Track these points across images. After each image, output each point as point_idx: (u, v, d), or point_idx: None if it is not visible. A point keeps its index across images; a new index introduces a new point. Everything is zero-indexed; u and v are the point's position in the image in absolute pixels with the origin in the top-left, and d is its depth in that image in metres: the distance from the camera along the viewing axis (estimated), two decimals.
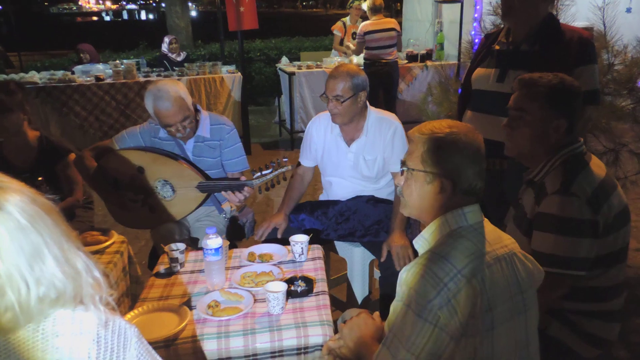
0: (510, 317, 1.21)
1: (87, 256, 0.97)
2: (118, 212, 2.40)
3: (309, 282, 1.78)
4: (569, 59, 2.08)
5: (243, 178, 2.24)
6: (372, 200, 2.43)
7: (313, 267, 1.96)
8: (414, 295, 1.15)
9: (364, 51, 5.89)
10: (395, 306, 1.20)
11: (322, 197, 2.65)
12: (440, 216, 1.27)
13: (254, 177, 2.19)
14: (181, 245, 2.00)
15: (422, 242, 1.30)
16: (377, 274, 2.47)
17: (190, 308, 1.69)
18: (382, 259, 2.21)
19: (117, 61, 6.15)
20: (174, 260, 1.95)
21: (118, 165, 2.32)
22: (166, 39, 6.61)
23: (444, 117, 3.82)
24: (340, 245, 2.51)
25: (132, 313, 1.65)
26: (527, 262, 1.29)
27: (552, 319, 1.64)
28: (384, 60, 5.77)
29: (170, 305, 1.70)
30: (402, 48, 6.37)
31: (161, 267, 1.98)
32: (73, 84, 5.42)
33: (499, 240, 1.26)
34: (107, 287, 0.99)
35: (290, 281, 1.78)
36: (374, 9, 5.75)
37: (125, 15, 58.98)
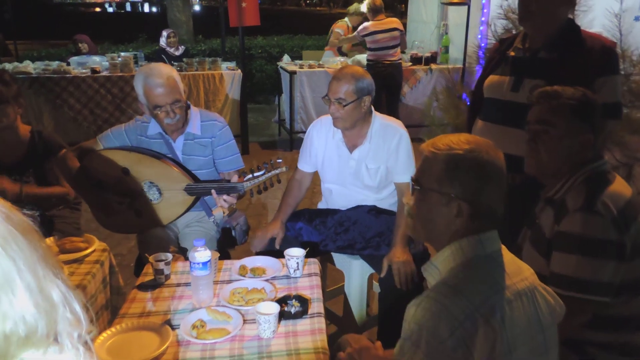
0: (530, 359, 1.07)
1: (67, 284, 0.82)
2: (103, 216, 2.25)
3: (303, 302, 1.63)
4: (590, 69, 1.94)
5: (235, 178, 2.09)
6: (373, 210, 2.30)
7: (309, 284, 1.82)
8: (424, 334, 1.00)
9: (367, 52, 5.74)
10: (401, 345, 1.05)
11: (321, 205, 2.51)
12: (454, 242, 1.13)
13: (245, 179, 2.04)
14: (167, 256, 1.85)
15: (433, 271, 1.16)
16: (376, 287, 2.33)
17: (173, 327, 1.55)
18: (382, 275, 2.09)
19: (115, 54, 6.00)
20: (158, 272, 1.80)
21: (102, 166, 2.17)
22: (164, 33, 6.46)
23: (448, 123, 3.68)
24: (338, 257, 2.37)
25: (108, 331, 1.50)
26: (548, 296, 1.15)
27: (571, 353, 1.50)
28: (387, 61, 5.61)
29: (151, 323, 1.55)
30: (406, 47, 6.20)
31: (145, 279, 1.84)
32: (68, 75, 5.28)
33: (519, 272, 1.13)
34: (88, 323, 0.84)
35: (283, 300, 1.63)
36: (375, 10, 5.58)
37: (128, 7, 58.67)
